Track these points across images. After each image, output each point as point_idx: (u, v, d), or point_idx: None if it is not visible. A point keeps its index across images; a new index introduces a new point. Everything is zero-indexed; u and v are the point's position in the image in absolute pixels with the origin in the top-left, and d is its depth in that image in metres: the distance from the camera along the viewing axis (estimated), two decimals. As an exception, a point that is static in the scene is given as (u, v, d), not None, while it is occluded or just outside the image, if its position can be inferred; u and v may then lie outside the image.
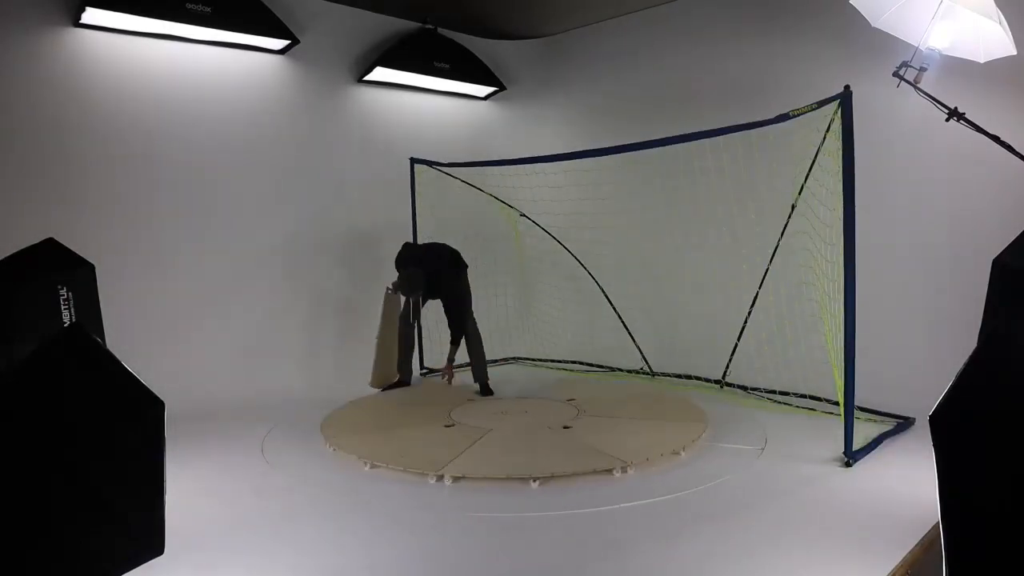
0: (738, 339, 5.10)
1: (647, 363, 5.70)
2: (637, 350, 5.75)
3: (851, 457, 3.49)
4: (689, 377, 5.39)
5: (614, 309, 5.89)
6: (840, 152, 3.53)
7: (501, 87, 6.60)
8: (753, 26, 5.47)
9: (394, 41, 6.08)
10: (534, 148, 5.69)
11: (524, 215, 6.09)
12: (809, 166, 4.35)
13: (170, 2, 4.69)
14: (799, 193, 4.49)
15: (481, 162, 5.73)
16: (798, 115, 3.74)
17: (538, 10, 6.55)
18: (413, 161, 5.78)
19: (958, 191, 4.53)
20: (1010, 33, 3.39)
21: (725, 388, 5.15)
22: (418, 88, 6.31)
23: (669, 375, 5.53)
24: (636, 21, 6.20)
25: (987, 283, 2.63)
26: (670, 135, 4.19)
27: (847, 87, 3.54)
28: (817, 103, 3.69)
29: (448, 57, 6.18)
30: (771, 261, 4.85)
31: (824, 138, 4.02)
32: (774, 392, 4.79)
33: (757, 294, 4.96)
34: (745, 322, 5.05)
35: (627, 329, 5.82)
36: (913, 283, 4.73)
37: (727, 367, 5.19)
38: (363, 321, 5.63)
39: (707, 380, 5.32)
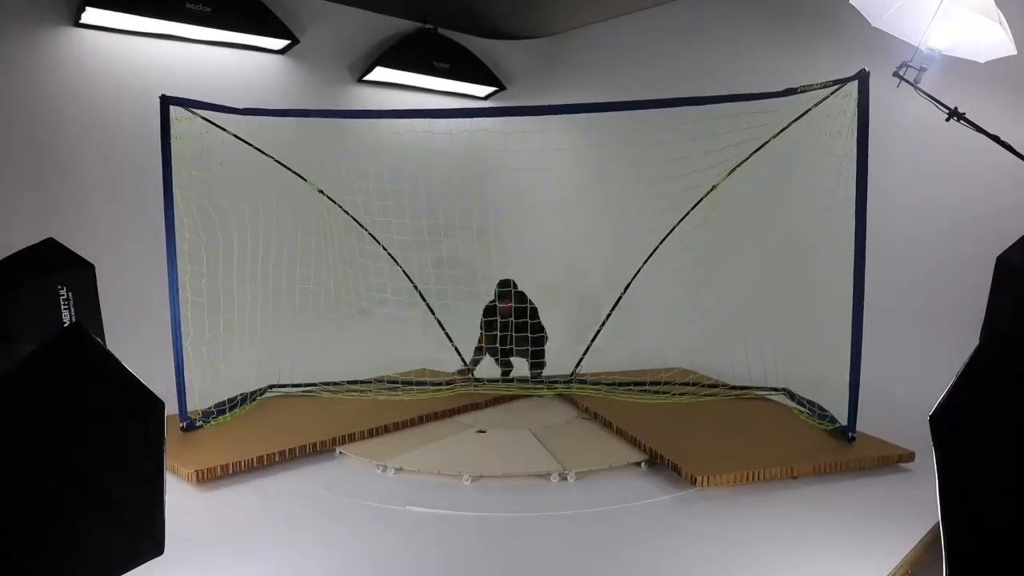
0: (596, 332, 5.00)
1: (469, 368, 5.16)
2: (458, 355, 5.20)
3: (853, 432, 3.64)
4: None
5: (434, 315, 5.17)
6: (843, 138, 3.58)
7: (501, 87, 6.60)
8: (752, 26, 5.48)
9: (394, 41, 6.08)
10: (534, 149, 5.67)
11: (322, 192, 4.99)
12: (754, 149, 4.35)
13: (170, 2, 4.70)
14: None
15: (275, 111, 4.68)
16: (806, 91, 3.74)
17: (538, 10, 6.55)
18: (166, 100, 3.92)
19: (958, 191, 4.53)
20: (1010, 33, 3.38)
21: (574, 384, 4.89)
22: (418, 88, 6.31)
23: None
24: (636, 21, 6.20)
25: (987, 283, 2.64)
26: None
27: (864, 69, 3.55)
28: (831, 81, 3.69)
29: (448, 57, 6.18)
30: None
31: (790, 122, 4.06)
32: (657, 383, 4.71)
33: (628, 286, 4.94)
34: (608, 315, 4.97)
35: (447, 335, 5.18)
36: (913, 282, 4.73)
37: (579, 363, 5.02)
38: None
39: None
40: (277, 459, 3.52)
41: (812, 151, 4.07)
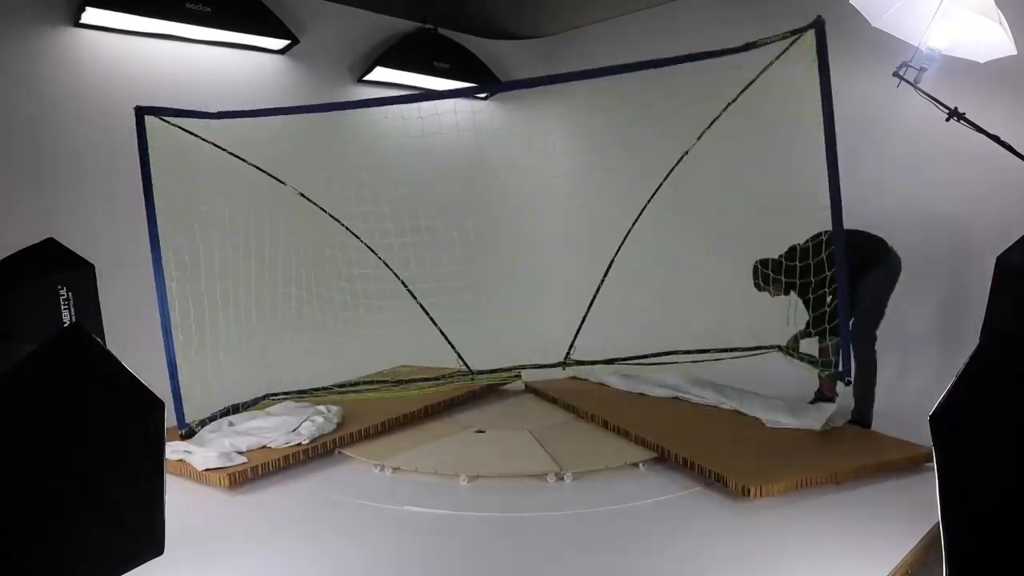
0: (585, 314, 5.05)
1: (463, 361, 5.08)
2: (453, 350, 5.14)
3: (849, 376, 3.76)
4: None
5: (423, 309, 5.14)
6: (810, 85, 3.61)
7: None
8: (752, 26, 5.46)
9: (394, 41, 6.07)
10: (534, 149, 5.66)
11: (303, 195, 4.89)
12: (727, 106, 4.37)
13: (170, 2, 4.69)
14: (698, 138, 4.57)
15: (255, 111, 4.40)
16: (766, 44, 3.75)
17: (538, 10, 6.55)
18: (140, 111, 3.97)
19: (958, 191, 4.53)
20: (1010, 33, 3.38)
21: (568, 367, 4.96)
22: (418, 88, 6.31)
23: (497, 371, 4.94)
24: (636, 21, 6.20)
25: (987, 283, 2.63)
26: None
27: (819, 16, 3.59)
28: (789, 32, 3.71)
29: (448, 57, 6.18)
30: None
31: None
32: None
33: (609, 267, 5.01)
34: (593, 298, 5.02)
35: (437, 327, 5.14)
36: (913, 283, 4.72)
37: (571, 345, 5.06)
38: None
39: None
40: (281, 464, 3.52)
41: (785, 117, 4.08)
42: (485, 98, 6.76)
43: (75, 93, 4.68)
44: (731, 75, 4.10)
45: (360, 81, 5.99)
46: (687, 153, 4.66)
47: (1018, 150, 3.26)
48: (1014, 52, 3.47)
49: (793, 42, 3.73)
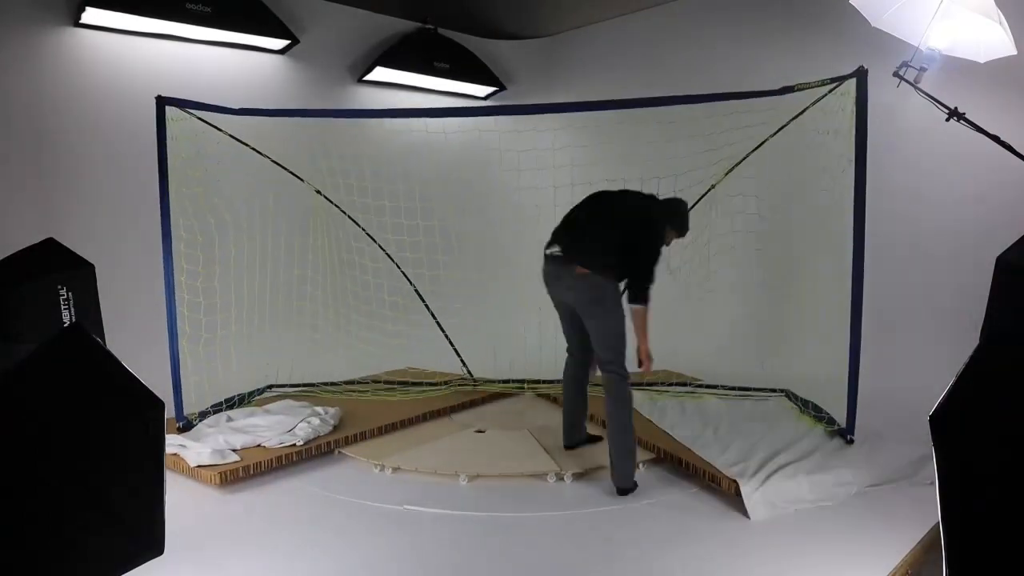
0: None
1: (468, 370, 5.13)
2: (457, 357, 5.17)
3: (851, 434, 3.69)
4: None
5: (432, 315, 5.16)
6: (842, 136, 3.61)
7: (501, 87, 6.60)
8: (752, 27, 5.47)
9: (394, 41, 6.07)
10: (532, 148, 5.66)
11: (319, 192, 4.95)
12: (752, 149, 4.38)
13: (170, 2, 4.69)
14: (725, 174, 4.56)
15: (270, 110, 4.56)
16: (804, 89, 3.75)
17: (538, 10, 6.55)
18: (161, 101, 3.90)
19: (958, 191, 4.53)
20: (1010, 33, 3.38)
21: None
22: (418, 88, 6.31)
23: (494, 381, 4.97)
24: (636, 21, 6.20)
25: (987, 283, 2.63)
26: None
27: (862, 67, 3.58)
28: (828, 79, 3.70)
29: (448, 57, 6.18)
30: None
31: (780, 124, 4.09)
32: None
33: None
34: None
35: (445, 335, 5.19)
36: (913, 283, 4.73)
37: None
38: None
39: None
40: (274, 464, 3.52)
41: (811, 150, 4.08)
42: (484, 98, 6.76)
43: (75, 93, 4.68)
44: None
45: (360, 81, 5.99)
46: (713, 187, 4.68)
47: (1018, 150, 3.25)
48: (1014, 52, 3.46)
49: (832, 90, 3.73)
